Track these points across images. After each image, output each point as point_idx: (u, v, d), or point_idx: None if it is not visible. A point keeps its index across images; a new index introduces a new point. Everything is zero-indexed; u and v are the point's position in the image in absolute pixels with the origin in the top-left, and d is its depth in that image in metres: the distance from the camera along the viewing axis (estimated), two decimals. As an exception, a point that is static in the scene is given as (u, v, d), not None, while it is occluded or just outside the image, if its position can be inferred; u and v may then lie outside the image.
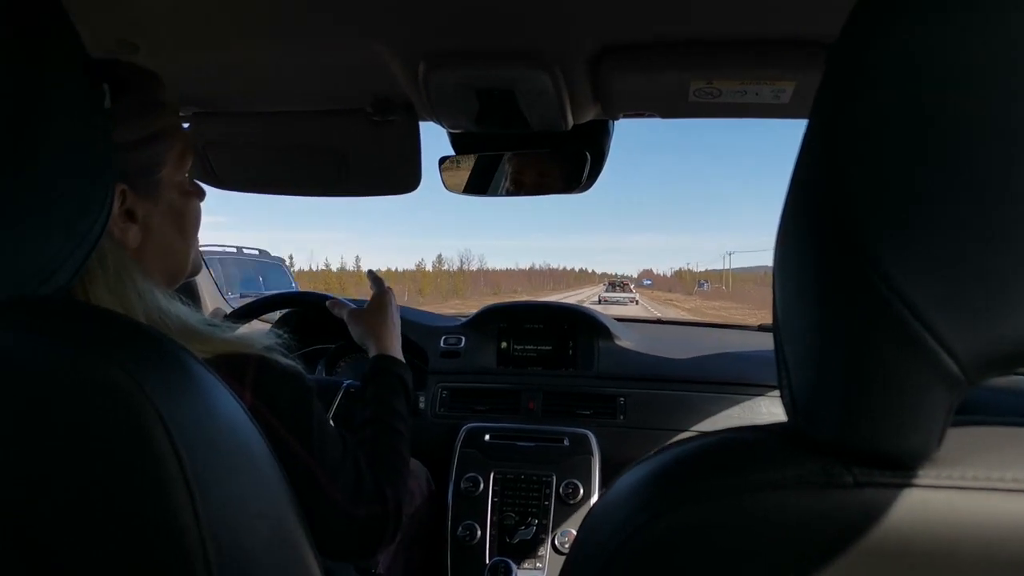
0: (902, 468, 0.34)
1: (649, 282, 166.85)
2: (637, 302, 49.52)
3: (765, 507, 0.35)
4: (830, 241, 0.33)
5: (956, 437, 0.36)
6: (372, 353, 1.12)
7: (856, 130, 0.31)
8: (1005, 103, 0.29)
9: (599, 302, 43.33)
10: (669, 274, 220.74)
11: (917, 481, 0.34)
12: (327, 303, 1.31)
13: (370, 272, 1.31)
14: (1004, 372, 0.33)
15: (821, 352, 0.35)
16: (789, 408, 0.38)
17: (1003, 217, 0.29)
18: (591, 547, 0.40)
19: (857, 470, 0.34)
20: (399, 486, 0.89)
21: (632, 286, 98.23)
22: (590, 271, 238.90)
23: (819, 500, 0.35)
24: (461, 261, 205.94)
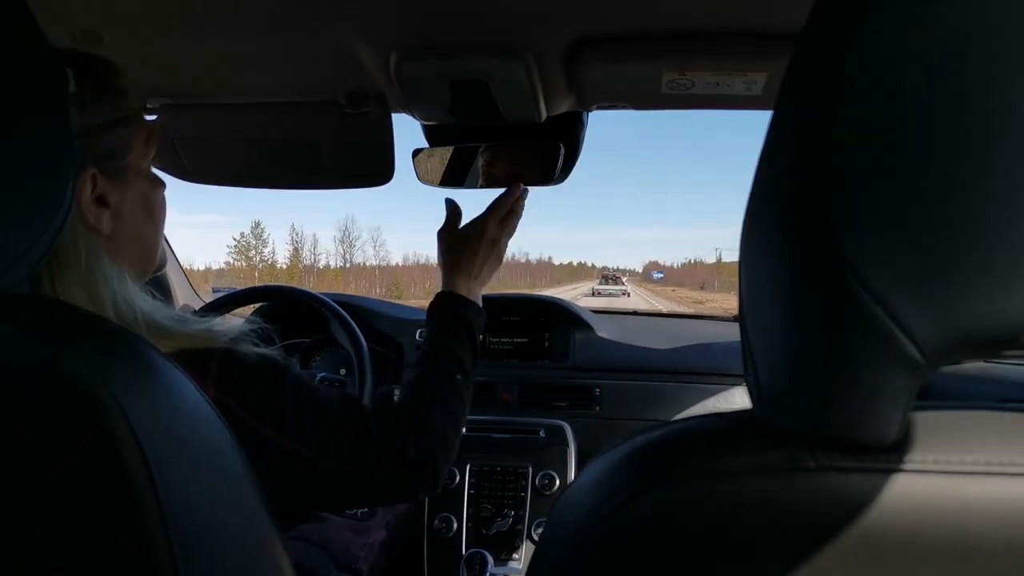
0: (864, 452, 0.35)
1: (660, 275, 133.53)
2: (628, 294, 50.53)
3: (731, 492, 0.36)
4: (796, 230, 0.33)
5: (917, 422, 0.36)
6: (442, 284, 0.99)
7: (821, 120, 0.32)
8: (970, 96, 0.29)
9: (592, 294, 44.37)
10: (677, 266, 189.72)
11: (878, 465, 0.34)
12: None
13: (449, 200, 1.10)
14: (964, 358, 0.33)
15: (785, 339, 0.35)
16: (754, 395, 0.39)
17: (964, 208, 0.30)
18: (561, 532, 0.40)
19: (819, 455, 0.35)
20: (427, 434, 0.84)
21: (624, 279, 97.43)
22: (589, 264, 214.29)
23: (783, 485, 0.35)
24: (343, 242, 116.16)
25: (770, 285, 0.35)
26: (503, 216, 1.04)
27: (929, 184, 0.30)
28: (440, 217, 1.12)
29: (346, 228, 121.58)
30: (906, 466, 0.34)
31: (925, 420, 0.37)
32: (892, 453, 0.35)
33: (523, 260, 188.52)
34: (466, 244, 1.01)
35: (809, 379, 0.34)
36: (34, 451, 0.47)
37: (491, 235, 1.02)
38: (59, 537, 0.47)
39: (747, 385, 0.39)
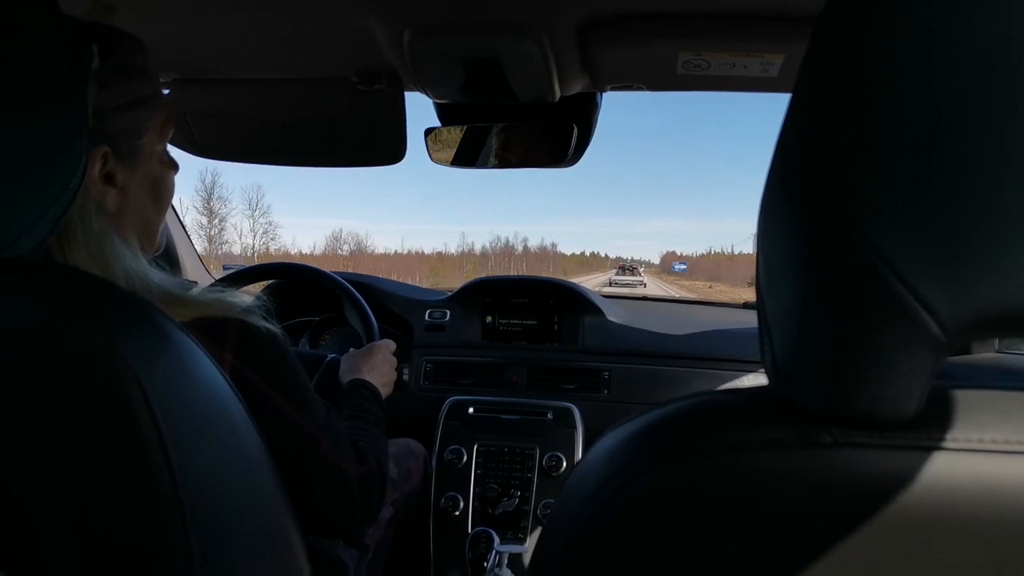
0: (882, 429, 0.34)
1: (682, 266, 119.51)
2: (645, 285, 50.32)
3: (744, 467, 0.36)
4: (815, 207, 0.33)
5: (936, 400, 0.36)
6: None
7: (843, 100, 0.31)
8: (995, 76, 0.29)
9: (610, 284, 44.64)
10: (697, 256, 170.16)
11: (896, 442, 0.34)
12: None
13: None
14: (985, 337, 0.33)
15: (804, 315, 0.35)
16: (771, 371, 0.38)
17: (988, 184, 0.29)
18: (571, 508, 0.40)
19: (836, 430, 0.35)
20: (379, 451, 0.92)
21: (642, 270, 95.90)
22: (602, 255, 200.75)
23: (798, 460, 0.35)
24: (205, 210, 67.39)
25: (789, 263, 0.35)
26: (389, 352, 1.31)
27: (954, 163, 0.29)
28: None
29: (209, 188, 68.84)
30: (924, 443, 0.34)
31: (943, 398, 0.37)
32: (910, 430, 0.34)
33: (519, 249, 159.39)
34: (361, 355, 1.25)
35: (827, 355, 0.34)
36: (46, 417, 0.47)
37: (376, 347, 1.28)
38: (71, 504, 0.47)
39: (763, 362, 0.39)
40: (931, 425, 0.35)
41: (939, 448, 0.34)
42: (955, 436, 0.34)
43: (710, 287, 66.19)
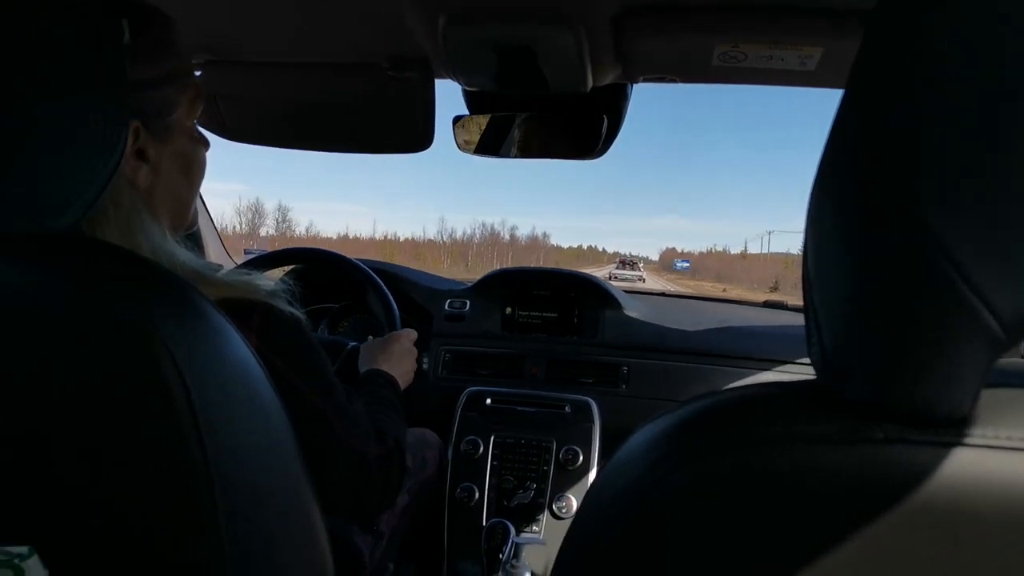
0: (934, 426, 0.34)
1: (685, 264, 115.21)
2: (644, 280, 50.05)
3: (790, 461, 0.35)
4: (871, 198, 0.32)
5: (989, 397, 0.36)
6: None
7: (899, 91, 0.31)
8: None
9: (610, 278, 44.41)
10: (698, 254, 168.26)
11: (948, 439, 0.34)
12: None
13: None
14: None
15: (856, 309, 0.34)
16: (819, 365, 0.38)
17: None
18: (610, 495, 0.40)
19: (889, 427, 0.34)
20: (398, 432, 0.92)
21: (641, 265, 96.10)
22: (600, 249, 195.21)
23: (847, 456, 0.34)
24: None
25: (842, 256, 0.34)
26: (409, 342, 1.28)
27: (1016, 155, 0.29)
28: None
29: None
30: (976, 441, 0.34)
31: (994, 396, 0.36)
32: (962, 427, 0.34)
33: (506, 237, 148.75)
34: (381, 346, 1.22)
35: (882, 350, 0.34)
36: (81, 389, 0.48)
37: (394, 337, 1.25)
38: (102, 470, 0.48)
39: (810, 354, 0.38)
40: (983, 423, 0.34)
41: (991, 446, 0.34)
42: (1011, 435, 0.34)
43: (724, 290, 56.27)
